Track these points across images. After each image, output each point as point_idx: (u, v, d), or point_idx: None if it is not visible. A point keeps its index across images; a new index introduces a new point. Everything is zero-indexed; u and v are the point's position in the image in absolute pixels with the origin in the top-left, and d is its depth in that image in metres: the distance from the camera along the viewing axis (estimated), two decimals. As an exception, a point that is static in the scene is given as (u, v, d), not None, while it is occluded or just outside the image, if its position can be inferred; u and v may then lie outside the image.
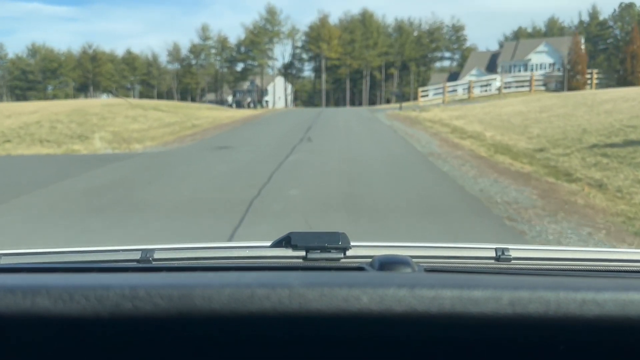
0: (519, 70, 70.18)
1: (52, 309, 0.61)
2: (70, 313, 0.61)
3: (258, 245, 1.07)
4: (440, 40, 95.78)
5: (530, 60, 70.18)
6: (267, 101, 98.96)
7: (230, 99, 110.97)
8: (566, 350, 0.64)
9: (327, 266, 0.94)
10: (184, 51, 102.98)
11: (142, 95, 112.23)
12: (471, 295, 0.62)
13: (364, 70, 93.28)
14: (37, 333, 0.63)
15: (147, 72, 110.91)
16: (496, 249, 1.06)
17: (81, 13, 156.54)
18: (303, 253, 1.00)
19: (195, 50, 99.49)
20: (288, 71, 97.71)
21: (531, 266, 1.06)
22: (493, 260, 1.05)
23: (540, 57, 69.90)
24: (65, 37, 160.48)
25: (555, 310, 0.61)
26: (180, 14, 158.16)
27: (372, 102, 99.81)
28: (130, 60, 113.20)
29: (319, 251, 1.00)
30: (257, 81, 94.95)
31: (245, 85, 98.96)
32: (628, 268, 1.04)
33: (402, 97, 29.25)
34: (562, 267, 1.05)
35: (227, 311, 0.61)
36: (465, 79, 75.90)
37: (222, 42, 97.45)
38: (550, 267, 1.05)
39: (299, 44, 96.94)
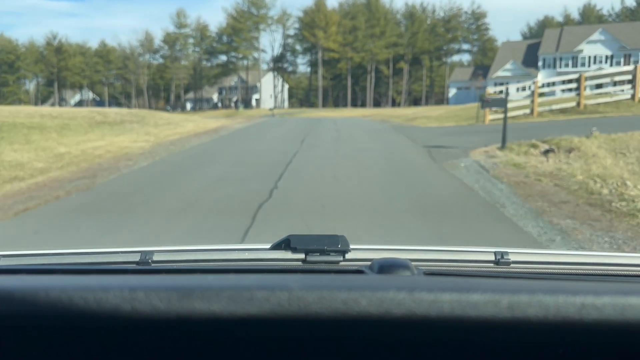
0: (568, 66, 55.56)
1: (51, 310, 0.62)
2: (69, 315, 0.62)
3: (257, 248, 1.08)
4: (458, 30, 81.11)
5: (582, 51, 55.51)
6: (257, 99, 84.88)
7: (215, 97, 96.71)
8: (565, 355, 0.63)
9: (327, 269, 0.94)
10: (158, 42, 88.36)
11: (123, 93, 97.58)
12: (470, 298, 0.62)
13: (369, 64, 78.56)
14: (36, 335, 0.63)
15: (123, 66, 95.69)
16: (495, 253, 1.06)
17: (81, 8, 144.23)
18: (302, 256, 1.00)
19: (169, 39, 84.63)
20: (279, 65, 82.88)
21: (530, 270, 1.06)
22: (492, 264, 1.06)
23: (595, 48, 55.25)
24: (69, 32, 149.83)
25: (554, 314, 0.61)
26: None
27: (376, 102, 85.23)
28: (104, 53, 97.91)
29: (318, 254, 1.00)
30: (248, 77, 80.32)
31: (232, 81, 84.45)
32: (627, 272, 1.05)
33: (500, 103, 13.87)
34: (561, 271, 1.05)
35: (226, 313, 0.61)
36: (498, 74, 61.56)
37: (201, 30, 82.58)
38: (549, 271, 1.05)
39: (291, 32, 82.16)
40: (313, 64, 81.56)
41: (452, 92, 66.85)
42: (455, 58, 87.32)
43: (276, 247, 1.03)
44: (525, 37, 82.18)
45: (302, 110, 60.39)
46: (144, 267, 0.99)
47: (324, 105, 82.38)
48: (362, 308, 0.61)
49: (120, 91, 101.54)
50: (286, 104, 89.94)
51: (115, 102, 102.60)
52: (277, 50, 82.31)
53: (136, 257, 1.03)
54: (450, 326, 0.62)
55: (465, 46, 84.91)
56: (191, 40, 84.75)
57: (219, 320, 0.61)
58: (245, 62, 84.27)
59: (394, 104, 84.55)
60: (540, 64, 58.14)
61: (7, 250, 1.07)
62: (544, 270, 1.05)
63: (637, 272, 1.04)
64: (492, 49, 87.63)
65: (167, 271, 0.85)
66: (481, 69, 66.39)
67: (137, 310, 0.61)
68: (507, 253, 1.05)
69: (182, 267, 1.00)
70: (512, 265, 1.05)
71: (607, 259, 1.09)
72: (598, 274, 1.03)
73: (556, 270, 1.05)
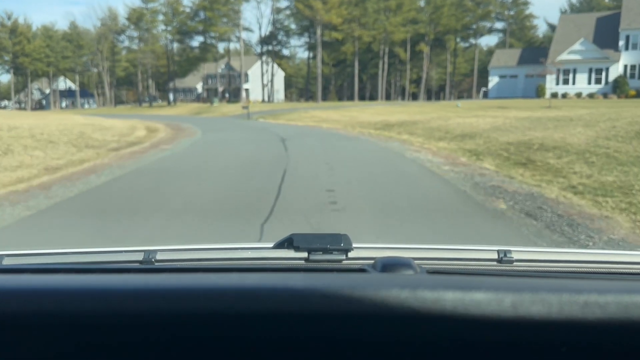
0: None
1: (54, 310, 0.62)
2: (73, 314, 0.62)
3: (260, 247, 1.09)
4: (491, 3, 64.91)
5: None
6: (247, 90, 69.32)
7: (199, 87, 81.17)
8: (568, 353, 0.63)
9: (329, 268, 0.93)
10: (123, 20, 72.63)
11: (98, 82, 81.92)
12: (473, 297, 0.62)
13: (381, 46, 62.48)
14: (39, 334, 0.63)
15: (95, 51, 79.70)
16: (498, 251, 1.07)
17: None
18: (305, 254, 1.01)
19: (133, 16, 68.80)
20: (268, 48, 66.86)
21: (533, 268, 1.06)
22: (495, 262, 1.06)
23: None
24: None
25: (558, 313, 0.61)
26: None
27: (387, 95, 69.32)
28: (73, 36, 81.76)
29: (321, 253, 1.01)
30: (239, 63, 64.68)
31: (220, 68, 68.86)
32: (631, 270, 1.04)
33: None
34: (564, 269, 1.05)
35: (230, 312, 0.61)
36: (563, 57, 45.62)
37: (173, 5, 66.58)
38: (552, 269, 1.06)
39: (283, 3, 66.08)
40: (311, 47, 65.69)
41: (492, 81, 50.82)
42: (484, 40, 71.10)
43: (279, 246, 1.03)
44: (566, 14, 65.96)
45: (294, 107, 44.51)
46: (148, 266, 0.99)
47: (325, 97, 66.40)
48: (365, 307, 0.61)
49: (98, 81, 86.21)
50: (281, 95, 74.13)
51: (88, 94, 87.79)
52: (266, 29, 66.02)
53: (139, 257, 1.03)
54: (454, 325, 0.62)
55: (499, 25, 68.81)
56: (161, 17, 68.84)
57: (222, 320, 0.62)
58: (229, 45, 68.55)
59: (408, 96, 68.50)
60: (621, 43, 42.18)
61: (11, 249, 1.07)
62: (547, 269, 1.05)
63: None
64: (531, 28, 71.53)
65: (171, 270, 0.85)
66: (534, 52, 50.41)
67: (141, 310, 0.62)
68: (510, 251, 1.06)
69: (186, 266, 1.00)
70: (515, 263, 1.05)
71: (611, 257, 1.09)
72: (602, 272, 1.02)
73: (559, 269, 1.04)
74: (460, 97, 71.00)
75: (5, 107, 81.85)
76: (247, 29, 73.18)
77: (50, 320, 0.62)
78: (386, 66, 64.27)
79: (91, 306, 0.62)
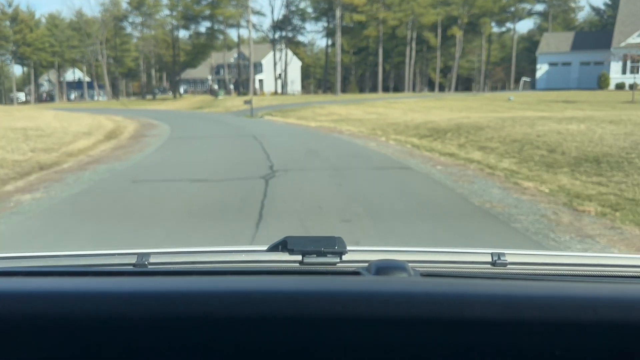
0: None
1: (47, 313, 0.61)
2: (66, 317, 0.61)
3: (254, 250, 1.07)
4: (532, -17, 57.63)
5: None
6: (260, 80, 63.25)
7: (210, 78, 75.21)
8: (562, 356, 0.63)
9: (324, 270, 0.94)
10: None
11: (109, 73, 76.51)
12: (467, 300, 0.62)
13: (408, 31, 55.58)
14: (31, 337, 0.63)
15: (105, 41, 74.21)
16: (492, 254, 1.06)
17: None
18: (299, 257, 1.00)
19: (134, 0, 62.99)
20: (281, 33, 60.40)
21: (527, 271, 1.06)
22: (489, 265, 1.05)
23: None
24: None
25: (551, 316, 0.61)
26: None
27: (413, 86, 62.44)
28: (79, 25, 76.35)
29: (315, 255, 0.99)
30: (250, 52, 58.49)
31: (232, 57, 62.88)
32: (623, 273, 1.05)
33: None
34: (557, 272, 1.05)
35: (224, 316, 0.61)
36: (631, 41, 38.40)
37: (177, -13, 60.57)
38: (546, 272, 1.05)
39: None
40: (330, 33, 59.10)
41: (540, 69, 43.71)
42: (521, 27, 64.02)
43: (273, 248, 1.02)
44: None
45: (309, 101, 38.16)
46: (141, 269, 0.98)
47: (344, 89, 59.80)
48: (360, 310, 0.61)
49: (108, 72, 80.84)
50: (297, 86, 67.70)
51: (100, 85, 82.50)
52: (279, 13, 59.56)
53: (133, 259, 1.02)
54: (447, 327, 0.61)
55: (540, 6, 61.34)
56: (165, 1, 62.93)
57: (216, 323, 0.61)
58: (238, 31, 62.35)
59: (437, 87, 61.58)
60: None
61: (3, 252, 1.06)
62: (541, 272, 1.04)
63: (633, 273, 1.04)
64: (574, 11, 63.85)
65: (164, 273, 0.85)
66: (590, 36, 43.24)
67: (134, 313, 0.61)
68: (503, 254, 1.05)
69: (179, 269, 1.00)
70: (508, 266, 1.04)
71: (603, 260, 1.09)
72: (594, 275, 1.03)
73: (553, 272, 1.04)
74: (494, 88, 63.93)
75: (16, 100, 77.29)
76: (258, 13, 66.80)
77: (43, 323, 0.61)
78: (413, 53, 57.38)
79: (84, 309, 0.61)
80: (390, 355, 0.63)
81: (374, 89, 62.73)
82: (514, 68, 59.08)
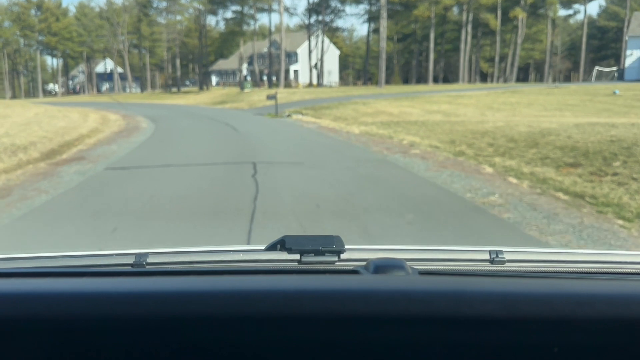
0: None
1: (45, 314, 0.61)
2: (64, 318, 0.61)
3: (252, 249, 1.07)
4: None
5: None
6: (295, 71, 57.67)
7: (244, 68, 69.91)
8: (560, 353, 0.63)
9: (322, 269, 0.94)
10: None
11: (139, 66, 72.41)
12: (465, 297, 0.62)
13: (465, 12, 48.53)
14: (29, 338, 0.63)
15: (134, 30, 70.07)
16: (490, 252, 1.06)
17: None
18: (297, 256, 1.00)
19: (158, -17, 58.02)
20: (317, 18, 54.22)
21: (525, 268, 1.06)
22: (487, 263, 1.06)
23: None
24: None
25: (549, 313, 0.61)
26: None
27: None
28: (108, 14, 72.37)
29: (313, 254, 0.99)
30: (284, 42, 52.75)
31: (265, 47, 57.49)
32: (621, 270, 1.05)
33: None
34: (555, 269, 1.06)
35: (222, 316, 0.61)
36: None
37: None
38: (544, 269, 1.06)
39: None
40: (372, 17, 52.61)
41: (631, 55, 36.14)
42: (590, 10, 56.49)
43: (271, 248, 1.02)
44: None
45: (349, 95, 32.02)
46: (139, 269, 0.98)
47: (387, 80, 53.21)
48: (358, 308, 0.61)
49: (140, 63, 76.85)
50: (334, 77, 61.54)
51: (134, 77, 78.62)
52: (315, -4, 53.41)
53: (130, 260, 1.02)
54: (446, 325, 0.62)
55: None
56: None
57: (215, 323, 0.61)
58: (270, 16, 56.55)
59: (496, 78, 54.29)
60: None
61: (0, 253, 1.06)
62: (539, 269, 1.05)
63: (631, 270, 1.03)
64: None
65: (162, 273, 0.84)
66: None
67: (133, 313, 0.61)
68: (501, 252, 1.05)
69: (177, 269, 0.99)
70: (506, 263, 1.04)
71: (601, 257, 1.10)
72: (592, 272, 1.02)
73: (551, 269, 1.04)
74: (555, 79, 56.26)
75: (43, 92, 74.27)
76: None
77: (41, 324, 0.61)
78: (469, 38, 50.30)
79: (82, 310, 0.61)
80: (389, 353, 0.63)
81: (420, 80, 55.98)
82: (584, 55, 51.33)
